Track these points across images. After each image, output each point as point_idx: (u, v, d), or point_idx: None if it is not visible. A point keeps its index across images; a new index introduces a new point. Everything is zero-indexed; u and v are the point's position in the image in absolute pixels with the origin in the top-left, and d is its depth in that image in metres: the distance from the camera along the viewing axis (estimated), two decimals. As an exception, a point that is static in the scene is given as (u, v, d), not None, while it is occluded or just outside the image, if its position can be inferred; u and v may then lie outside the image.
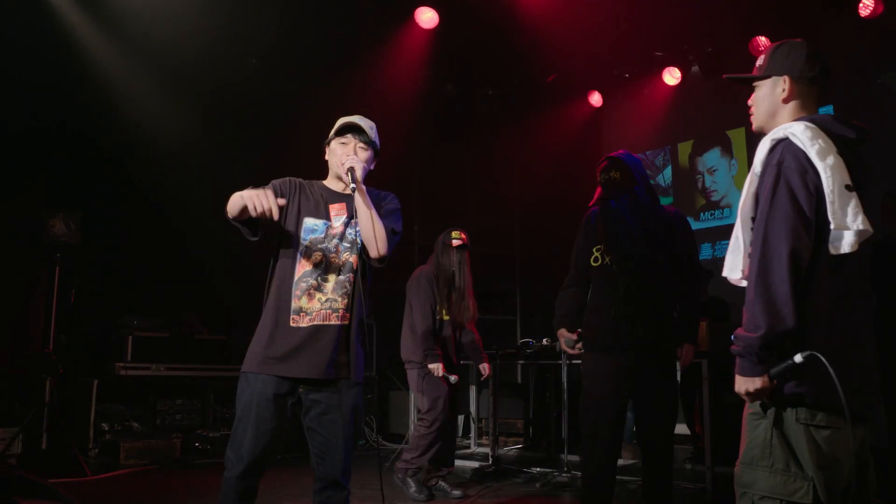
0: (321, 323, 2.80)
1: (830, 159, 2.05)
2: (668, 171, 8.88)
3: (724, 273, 2.33)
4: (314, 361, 2.78)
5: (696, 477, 5.61)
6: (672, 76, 8.23)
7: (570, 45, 7.84)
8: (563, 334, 3.85)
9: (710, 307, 6.70)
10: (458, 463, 6.69)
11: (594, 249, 3.78)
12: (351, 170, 2.81)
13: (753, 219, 2.18)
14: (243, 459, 2.73)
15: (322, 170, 3.07)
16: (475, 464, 6.40)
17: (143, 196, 7.53)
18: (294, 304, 2.81)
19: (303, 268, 2.84)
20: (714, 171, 8.41)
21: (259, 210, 2.58)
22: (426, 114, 8.46)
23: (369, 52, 7.77)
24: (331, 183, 3.01)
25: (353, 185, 2.78)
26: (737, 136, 8.20)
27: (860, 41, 7.01)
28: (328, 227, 2.89)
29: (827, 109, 7.34)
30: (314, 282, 2.82)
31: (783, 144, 2.13)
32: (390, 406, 8.62)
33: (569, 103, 8.99)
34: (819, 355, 1.92)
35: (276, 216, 2.63)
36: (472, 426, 8.06)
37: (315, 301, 2.82)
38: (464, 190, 9.60)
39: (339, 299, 2.84)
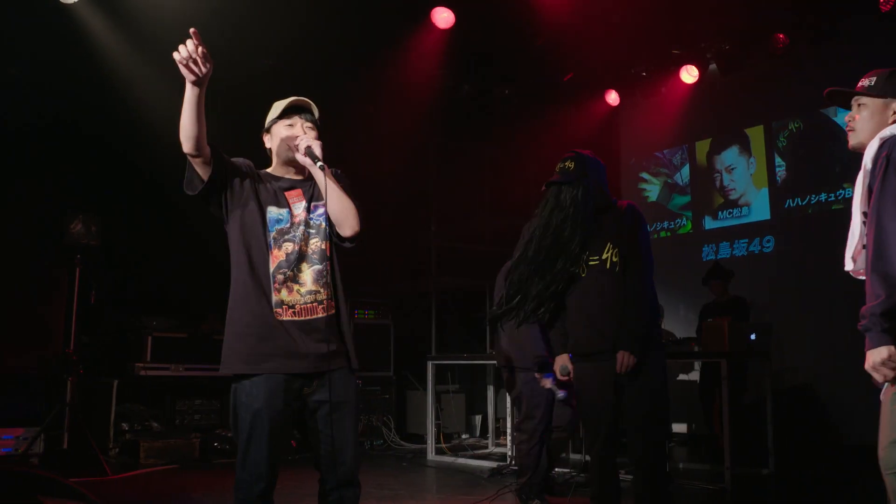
0: (309, 317, 2.71)
1: None
2: (686, 170, 8.83)
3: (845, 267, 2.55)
4: (307, 355, 2.68)
5: (715, 477, 5.58)
6: (689, 74, 8.18)
7: (586, 43, 7.81)
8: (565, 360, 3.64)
9: (732, 306, 6.67)
10: (476, 463, 6.70)
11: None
12: (309, 149, 2.72)
13: (865, 213, 2.37)
14: (264, 476, 2.61)
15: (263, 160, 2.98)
16: (493, 464, 6.39)
17: (162, 198, 7.55)
18: (275, 297, 2.70)
19: (276, 259, 2.73)
20: (732, 169, 8.35)
21: (194, 66, 2.55)
22: (442, 114, 8.45)
23: (385, 52, 7.77)
24: (278, 170, 2.91)
25: (320, 164, 2.68)
26: (755, 133, 8.14)
27: (880, 36, 6.93)
28: (291, 216, 2.79)
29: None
30: (290, 272, 2.72)
31: (891, 140, 2.30)
32: (408, 406, 8.64)
33: (586, 102, 8.96)
34: None
35: (202, 67, 2.57)
36: (490, 426, 8.05)
37: (295, 293, 2.71)
38: (480, 191, 9.59)
39: (322, 290, 2.75)
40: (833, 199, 7.36)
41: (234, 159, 2.83)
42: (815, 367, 7.12)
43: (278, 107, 2.92)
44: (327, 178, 2.72)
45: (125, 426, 6.90)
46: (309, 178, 2.86)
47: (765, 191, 7.96)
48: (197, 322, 7.65)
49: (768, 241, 7.85)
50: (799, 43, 7.32)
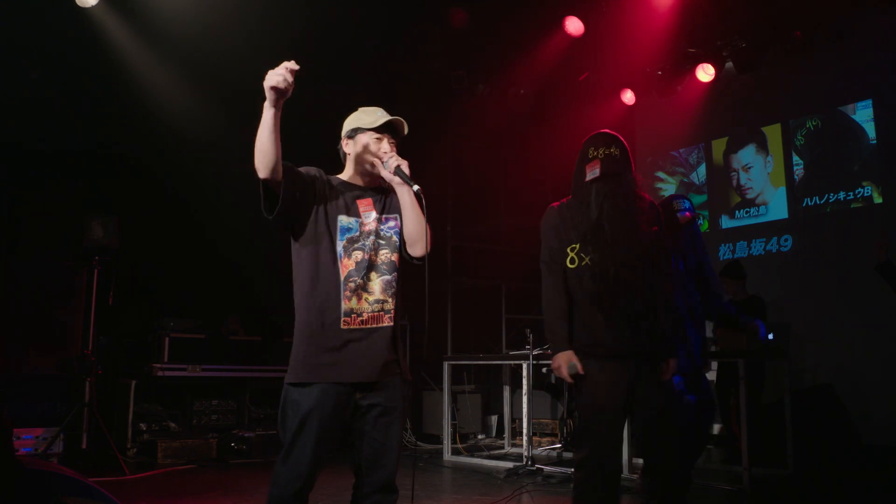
0: (375, 325, 2.73)
1: None
2: (702, 169, 8.78)
3: None
4: (371, 364, 2.69)
5: (734, 478, 5.55)
6: (706, 73, 8.13)
7: (602, 43, 7.80)
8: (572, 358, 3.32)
9: (748, 306, 6.63)
10: (492, 463, 6.70)
11: (569, 249, 3.36)
12: (399, 168, 2.75)
13: None
14: (302, 476, 2.60)
15: (335, 164, 2.95)
16: (509, 464, 6.39)
17: (180, 200, 7.64)
18: (345, 306, 2.70)
19: (346, 267, 2.74)
20: (749, 168, 8.30)
21: (283, 84, 2.48)
22: (458, 113, 8.46)
23: (403, 53, 7.79)
24: (353, 178, 2.90)
25: (416, 188, 2.73)
26: (772, 132, 8.08)
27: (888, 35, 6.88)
28: (360, 225, 2.80)
29: (866, 104, 7.26)
30: (360, 281, 2.73)
31: None
32: (424, 406, 8.64)
33: (601, 101, 8.94)
34: None
35: (290, 82, 2.50)
36: (506, 426, 8.05)
37: (364, 302, 2.73)
38: (496, 190, 9.59)
39: (390, 300, 2.78)
40: (851, 197, 7.30)
41: (304, 169, 2.81)
42: (834, 367, 7.07)
43: (368, 115, 2.90)
44: (410, 198, 2.78)
45: (143, 426, 6.95)
46: (380, 189, 2.90)
47: (782, 189, 7.91)
48: (215, 323, 7.70)
49: (786, 241, 7.79)
50: (816, 40, 7.27)
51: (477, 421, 8.65)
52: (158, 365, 7.00)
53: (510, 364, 7.77)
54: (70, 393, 6.35)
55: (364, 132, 2.86)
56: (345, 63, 7.77)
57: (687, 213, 4.26)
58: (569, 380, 3.31)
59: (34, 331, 6.43)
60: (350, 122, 2.93)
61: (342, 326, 2.69)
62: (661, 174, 9.26)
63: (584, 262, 3.30)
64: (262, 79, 2.51)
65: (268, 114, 2.57)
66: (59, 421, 6.11)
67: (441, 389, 7.36)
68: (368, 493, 2.71)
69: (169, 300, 7.60)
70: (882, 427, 6.57)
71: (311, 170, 2.84)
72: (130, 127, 7.23)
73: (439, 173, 8.64)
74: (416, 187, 2.74)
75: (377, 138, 2.85)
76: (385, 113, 2.90)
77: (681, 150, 9.02)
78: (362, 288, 2.74)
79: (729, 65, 8.06)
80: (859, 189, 7.25)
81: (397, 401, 2.75)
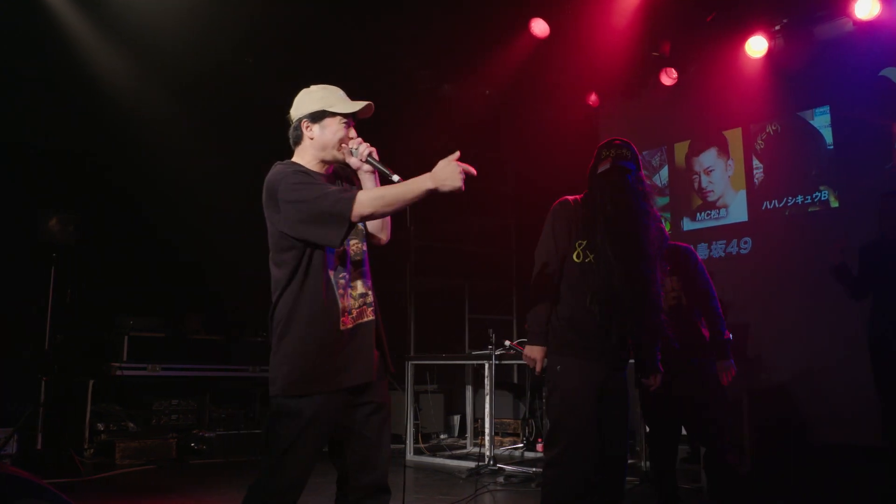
0: (362, 321, 2.62)
1: None
2: (665, 171, 8.87)
3: None
4: (366, 364, 2.59)
5: (693, 476, 5.61)
6: (669, 77, 8.22)
7: (567, 45, 7.85)
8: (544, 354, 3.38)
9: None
10: (454, 463, 6.70)
11: (576, 244, 3.35)
12: (370, 155, 2.64)
13: None
14: (296, 486, 2.48)
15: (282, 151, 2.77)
16: (472, 464, 6.40)
17: (140, 197, 7.53)
18: (340, 304, 2.56)
19: (335, 263, 2.59)
20: (710, 171, 8.40)
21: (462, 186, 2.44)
22: (423, 112, 8.45)
23: (366, 50, 7.76)
24: (311, 164, 2.68)
25: (397, 178, 2.55)
26: (733, 136, 8.19)
27: (854, 42, 7.01)
28: None
29: (824, 109, 7.39)
30: (347, 276, 2.61)
31: None
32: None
33: (567, 103, 8.98)
34: None
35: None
36: (469, 426, 8.06)
37: (349, 298, 2.59)
38: (460, 191, 9.58)
39: (370, 293, 2.67)
40: (809, 201, 7.42)
41: (300, 171, 2.62)
42: (792, 367, 7.18)
43: (332, 96, 2.69)
44: (378, 186, 2.68)
45: (101, 426, 6.84)
46: (336, 175, 2.76)
47: (742, 193, 8.02)
48: (175, 322, 7.60)
49: (745, 243, 7.90)
50: (776, 46, 7.38)
51: (439, 421, 8.65)
52: (117, 364, 6.89)
53: (473, 364, 7.78)
54: (25, 392, 6.23)
55: (333, 117, 2.66)
56: (307, 59, 7.72)
57: None
58: (537, 371, 3.37)
59: (-13, 328, 6.30)
60: (312, 103, 2.68)
61: (341, 328, 2.55)
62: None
63: (587, 259, 3.31)
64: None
65: (424, 189, 2.46)
66: (14, 421, 5.99)
67: (403, 389, 7.35)
68: (360, 498, 2.59)
69: (128, 298, 7.49)
70: (839, 426, 6.69)
71: (308, 171, 2.65)
72: (88, 122, 7.10)
73: (402, 173, 8.60)
74: (396, 177, 2.58)
75: (345, 123, 2.67)
76: (344, 95, 2.73)
77: (644, 153, 9.09)
78: (347, 284, 2.61)
79: (690, 70, 8.16)
80: (817, 193, 7.37)
81: (386, 396, 2.67)
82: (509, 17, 7.60)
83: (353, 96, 2.78)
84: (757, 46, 7.42)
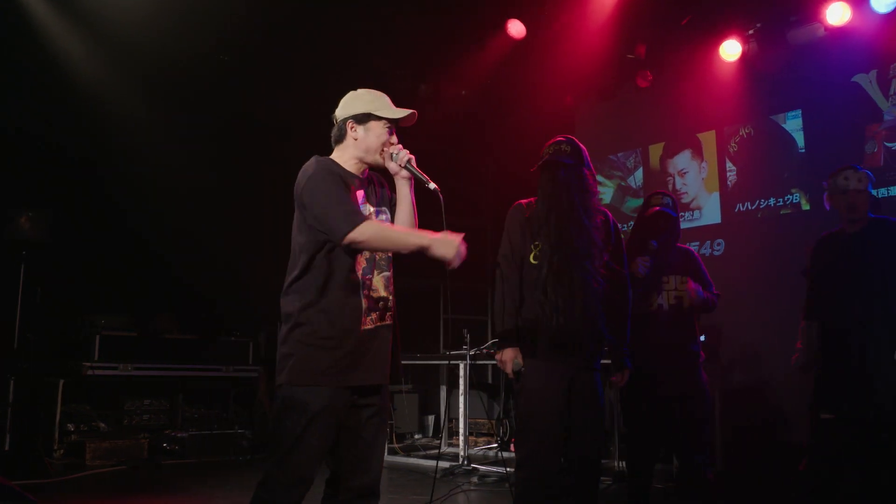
0: (381, 324, 2.64)
1: None
2: (640, 173, 8.93)
3: None
4: (381, 365, 2.61)
5: (666, 476, 5.64)
6: (644, 79, 8.28)
7: (543, 46, 7.87)
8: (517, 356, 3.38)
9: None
10: (428, 463, 6.70)
11: (532, 245, 3.39)
12: (409, 162, 2.69)
13: None
14: (307, 480, 2.48)
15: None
16: (446, 464, 6.40)
17: (113, 195, 7.44)
18: (364, 305, 2.59)
19: (360, 265, 2.62)
20: (685, 173, 8.47)
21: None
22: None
23: (342, 50, 7.73)
24: (349, 164, 2.72)
25: (433, 186, 2.63)
26: (707, 139, 8.27)
27: (826, 48, 7.10)
28: None
29: (796, 113, 7.47)
30: (371, 278, 2.64)
31: None
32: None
33: (542, 104, 9.01)
34: None
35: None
36: (443, 426, 8.06)
37: (371, 301, 2.62)
38: (436, 192, 9.57)
39: (391, 297, 2.70)
40: (781, 203, 7.50)
41: (330, 166, 2.64)
42: (764, 367, 7.26)
43: (378, 101, 2.75)
44: (411, 196, 2.75)
45: (71, 427, 6.74)
46: (368, 179, 2.79)
47: (716, 195, 8.09)
48: (148, 321, 7.52)
49: (719, 244, 7.97)
50: (749, 50, 7.46)
51: (414, 421, 8.64)
52: (88, 363, 6.80)
53: (448, 364, 7.78)
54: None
55: (378, 121, 2.72)
56: (283, 59, 7.68)
57: None
58: (511, 375, 3.36)
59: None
60: (359, 104, 2.74)
61: (361, 328, 2.58)
62: (599, 177, 9.37)
63: (541, 261, 3.33)
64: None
65: (419, 245, 2.54)
66: (-19, 422, 5.90)
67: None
68: (351, 499, 2.58)
69: (100, 297, 7.39)
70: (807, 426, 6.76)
71: (334, 176, 2.62)
72: (61, 118, 7.01)
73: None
74: (432, 185, 2.65)
75: (389, 128, 2.73)
76: (389, 101, 2.79)
77: (619, 154, 9.15)
78: (370, 287, 2.64)
79: (664, 72, 8.23)
80: (788, 196, 7.46)
81: (387, 401, 2.70)
82: (486, 17, 7.61)
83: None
84: (731, 50, 7.50)
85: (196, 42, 6.98)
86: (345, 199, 2.55)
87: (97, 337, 6.94)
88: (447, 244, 2.52)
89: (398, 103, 2.81)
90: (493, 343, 6.90)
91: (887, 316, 3.67)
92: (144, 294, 7.65)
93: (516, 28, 7.71)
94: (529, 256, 3.37)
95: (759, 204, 7.69)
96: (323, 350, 2.53)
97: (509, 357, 3.35)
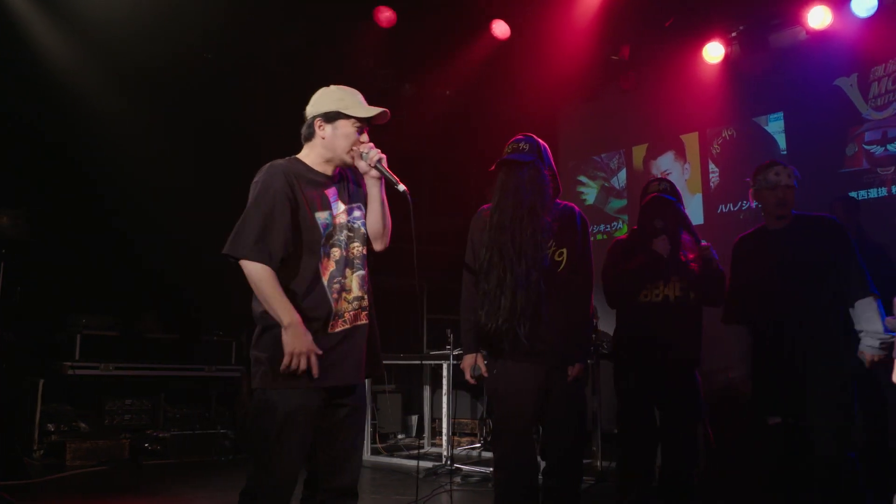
0: (355, 324, 2.61)
1: None
2: (623, 174, 8.97)
3: None
4: (354, 366, 2.58)
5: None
6: (627, 80, 8.31)
7: (527, 47, 7.89)
8: (477, 361, 3.42)
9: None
10: (411, 463, 6.69)
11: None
12: (380, 162, 2.64)
13: None
14: (289, 482, 2.46)
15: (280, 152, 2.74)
16: (429, 464, 6.40)
17: (94, 193, 7.39)
18: (333, 308, 2.55)
19: (328, 268, 2.57)
20: (668, 174, 8.50)
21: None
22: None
23: (327, 49, 7.72)
24: (317, 163, 2.69)
25: (402, 188, 2.59)
26: (690, 140, 8.31)
27: (809, 49, 7.16)
28: (333, 218, 2.63)
29: (778, 115, 7.52)
30: (343, 280, 2.59)
31: None
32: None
33: (526, 104, 9.03)
34: None
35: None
36: (426, 426, 8.06)
37: (344, 302, 2.58)
38: (420, 191, 9.58)
39: (366, 296, 2.66)
40: (763, 205, 7.56)
41: (280, 188, 2.54)
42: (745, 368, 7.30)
43: (349, 98, 2.68)
44: (381, 195, 2.70)
45: (51, 427, 6.69)
46: (339, 176, 2.73)
47: (698, 196, 8.14)
48: (130, 320, 7.47)
49: (701, 246, 8.02)
50: (732, 53, 7.51)
51: (397, 421, 8.64)
52: (69, 363, 6.76)
53: (430, 364, 7.78)
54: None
55: (347, 119, 2.66)
56: (267, 58, 7.66)
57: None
58: (471, 381, 3.39)
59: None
60: (328, 102, 2.69)
61: (329, 331, 2.54)
62: (582, 178, 9.41)
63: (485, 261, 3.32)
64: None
65: (279, 319, 2.45)
66: (-41, 421, 5.84)
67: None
68: (329, 500, 2.56)
69: (81, 296, 7.34)
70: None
71: (284, 186, 2.55)
72: (41, 115, 6.95)
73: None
74: (401, 187, 2.61)
75: (358, 127, 2.67)
76: (362, 98, 2.73)
77: (602, 155, 9.19)
78: (343, 288, 2.59)
79: (647, 74, 8.27)
80: (770, 197, 7.51)
81: (363, 400, 2.67)
82: (471, 18, 7.62)
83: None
84: (714, 52, 7.55)
85: (180, 39, 6.94)
86: (267, 226, 2.49)
87: (78, 336, 6.90)
88: (296, 341, 2.41)
89: (381, 103, 2.78)
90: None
91: (818, 313, 3.58)
92: (126, 293, 7.60)
93: (501, 29, 7.72)
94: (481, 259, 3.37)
95: (742, 205, 7.74)
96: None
97: (467, 364, 3.41)
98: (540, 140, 3.48)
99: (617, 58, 8.12)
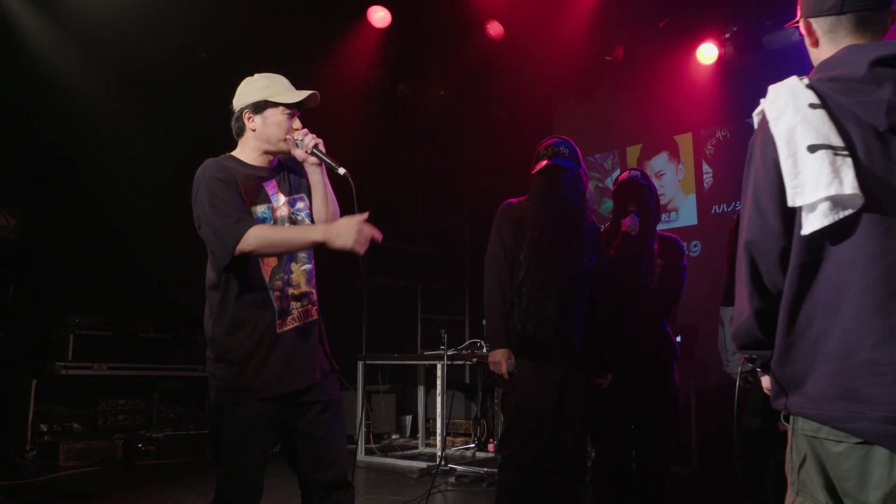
0: (305, 321, 2.52)
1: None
2: (617, 175, 8.98)
3: None
4: (308, 366, 2.50)
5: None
6: (621, 81, 8.32)
7: (522, 47, 7.89)
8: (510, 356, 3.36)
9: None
10: (405, 463, 6.70)
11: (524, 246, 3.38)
12: (317, 147, 2.51)
13: None
14: (256, 491, 2.44)
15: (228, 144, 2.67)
16: (423, 464, 6.40)
17: (87, 192, 7.37)
18: (277, 307, 2.45)
19: (269, 265, 2.47)
20: (661, 175, 8.52)
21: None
22: (377, 114, 8.42)
23: (321, 50, 7.71)
24: (251, 157, 2.59)
25: (344, 171, 2.45)
26: (684, 141, 8.33)
27: (802, 51, 7.18)
28: (272, 211, 2.53)
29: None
30: (286, 277, 2.49)
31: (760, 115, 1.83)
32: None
33: (520, 105, 9.04)
34: None
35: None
36: (420, 426, 8.06)
37: (289, 299, 2.49)
38: (414, 191, 9.59)
39: (313, 291, 2.56)
40: (756, 205, 7.58)
41: (213, 174, 2.49)
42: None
43: (275, 85, 2.58)
44: (322, 179, 2.58)
45: (44, 427, 6.67)
46: (279, 167, 2.64)
47: (692, 197, 8.15)
48: (123, 320, 7.45)
49: (695, 246, 8.03)
50: (726, 54, 7.53)
51: (391, 421, 8.64)
52: (62, 363, 6.73)
53: (425, 364, 7.78)
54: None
55: (275, 107, 2.54)
56: (260, 59, 7.64)
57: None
58: (506, 376, 3.32)
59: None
60: (254, 92, 2.57)
61: (277, 331, 2.45)
62: (576, 179, 9.43)
63: (522, 264, 3.34)
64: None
65: (311, 240, 2.39)
66: (-48, 422, 5.82)
67: (355, 389, 7.32)
68: (322, 496, 2.53)
69: (74, 295, 7.32)
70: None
71: (223, 172, 2.51)
72: (33, 113, 6.93)
73: (357, 172, 8.57)
74: (342, 171, 2.49)
75: (290, 114, 2.56)
76: (289, 83, 2.63)
77: (596, 156, 9.20)
78: (288, 283, 2.50)
79: (642, 75, 8.28)
80: (764, 198, 7.53)
81: (336, 393, 2.60)
82: (465, 18, 7.62)
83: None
84: (707, 53, 7.56)
85: (174, 38, 6.93)
86: (224, 212, 2.40)
87: (71, 336, 6.88)
88: (344, 233, 2.32)
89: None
90: (470, 343, 6.92)
91: None
92: (119, 293, 7.58)
93: (495, 29, 7.73)
94: (520, 256, 3.37)
95: (735, 206, 7.76)
96: (236, 366, 2.43)
97: (502, 357, 3.31)
98: (575, 144, 3.53)
99: (611, 58, 8.13)
